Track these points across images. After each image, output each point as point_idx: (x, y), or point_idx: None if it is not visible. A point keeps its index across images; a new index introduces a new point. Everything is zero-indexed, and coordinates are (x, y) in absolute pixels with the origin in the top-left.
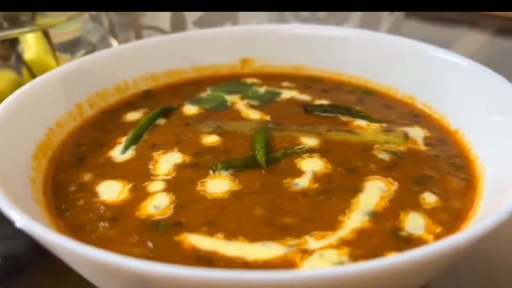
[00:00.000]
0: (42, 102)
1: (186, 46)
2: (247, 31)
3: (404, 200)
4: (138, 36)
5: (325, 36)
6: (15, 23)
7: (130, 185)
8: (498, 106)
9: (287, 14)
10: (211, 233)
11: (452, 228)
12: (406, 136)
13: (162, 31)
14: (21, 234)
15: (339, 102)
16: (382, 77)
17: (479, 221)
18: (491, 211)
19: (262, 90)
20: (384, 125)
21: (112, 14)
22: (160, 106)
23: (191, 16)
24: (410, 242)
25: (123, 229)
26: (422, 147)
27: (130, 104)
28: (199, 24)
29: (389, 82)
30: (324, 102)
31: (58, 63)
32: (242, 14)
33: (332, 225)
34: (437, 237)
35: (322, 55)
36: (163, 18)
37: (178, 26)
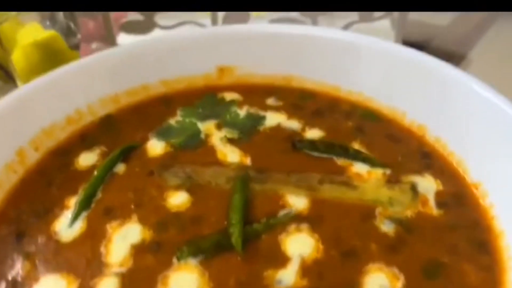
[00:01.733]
0: None
1: (152, 55)
2: (225, 33)
3: None
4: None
5: (322, 40)
6: None
7: (77, 283)
8: None
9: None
10: None
11: None
12: (414, 191)
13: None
14: None
15: (334, 132)
16: (388, 96)
17: None
18: None
19: (242, 112)
20: (388, 171)
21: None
22: (120, 139)
23: None
24: None
25: None
26: (434, 210)
27: (85, 139)
28: None
29: (396, 104)
30: (317, 132)
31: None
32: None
33: None
34: None
35: (317, 64)
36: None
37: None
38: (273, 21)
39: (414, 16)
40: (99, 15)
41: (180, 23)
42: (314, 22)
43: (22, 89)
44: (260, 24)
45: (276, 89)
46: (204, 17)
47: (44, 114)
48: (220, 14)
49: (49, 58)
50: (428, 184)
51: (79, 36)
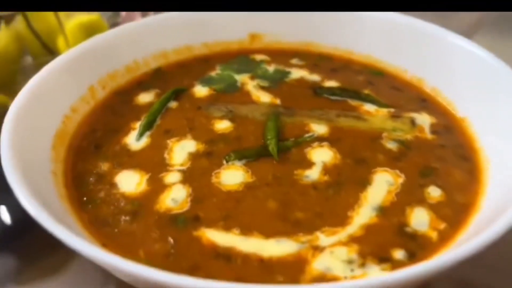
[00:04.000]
0: (56, 89)
1: (195, 22)
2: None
3: (410, 194)
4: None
5: (335, 14)
6: None
7: (147, 176)
8: (508, 100)
9: None
10: (227, 228)
11: (455, 224)
12: (413, 123)
13: None
14: None
15: (348, 83)
16: (392, 57)
17: (480, 221)
18: (493, 210)
19: (271, 68)
20: (392, 110)
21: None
22: (171, 85)
23: None
24: (415, 239)
25: (144, 224)
26: (428, 135)
27: (141, 84)
28: None
29: (399, 63)
30: (334, 83)
31: None
32: None
33: (341, 220)
34: (441, 233)
35: (333, 33)
36: None
37: None
38: None
39: None
40: None
41: None
42: None
43: (95, 39)
44: None
45: (299, 52)
46: None
47: (109, 60)
48: None
49: None
50: (424, 119)
51: (122, 14)
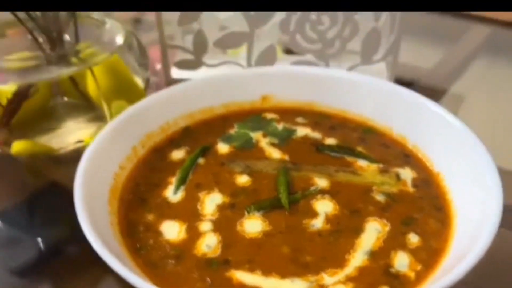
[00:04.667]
0: (109, 152)
1: (217, 86)
2: (267, 72)
3: (395, 240)
4: (164, 55)
5: (334, 78)
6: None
7: (185, 225)
8: (472, 161)
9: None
10: (252, 270)
11: (429, 266)
12: (398, 178)
13: (185, 50)
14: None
15: (344, 140)
16: (380, 117)
17: (449, 264)
18: (459, 255)
19: (280, 126)
20: (381, 165)
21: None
22: (198, 142)
23: (211, 36)
24: (398, 278)
25: (186, 266)
26: (410, 188)
27: (173, 141)
28: (218, 44)
29: (385, 122)
30: (333, 140)
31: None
32: (256, 35)
33: (341, 263)
34: (418, 274)
35: (330, 94)
36: (186, 40)
37: (200, 45)
38: (294, 62)
39: (404, 60)
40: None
41: (223, 62)
42: (327, 64)
43: (135, 106)
44: (290, 66)
45: (302, 111)
46: (241, 59)
47: (148, 123)
48: (253, 57)
49: (116, 78)
50: (407, 173)
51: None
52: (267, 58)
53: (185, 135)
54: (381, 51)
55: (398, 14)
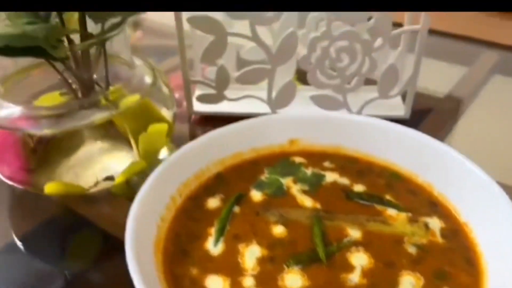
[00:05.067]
0: (151, 205)
1: (247, 132)
2: (295, 116)
3: None
4: (187, 90)
5: (359, 123)
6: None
7: (229, 280)
8: (500, 216)
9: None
10: None
11: None
12: (427, 227)
13: (210, 86)
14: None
15: (372, 186)
16: (406, 163)
17: None
18: None
19: (309, 171)
20: (410, 214)
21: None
22: (231, 189)
23: (229, 67)
24: None
25: None
26: (439, 239)
27: (207, 187)
28: (240, 79)
29: (412, 168)
30: (361, 187)
31: None
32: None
33: None
34: None
35: (357, 138)
36: (209, 72)
37: (222, 80)
38: (313, 97)
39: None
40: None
41: (244, 96)
42: (344, 97)
43: (171, 158)
44: (317, 111)
45: (329, 155)
46: (261, 90)
47: (183, 173)
48: (274, 92)
49: (145, 117)
50: (435, 223)
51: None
52: (286, 92)
53: (218, 182)
54: (398, 85)
55: (416, 49)
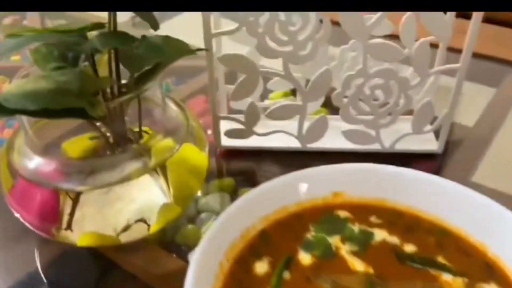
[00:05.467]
0: (203, 277)
1: (291, 186)
2: (338, 169)
3: None
4: (216, 126)
5: (405, 176)
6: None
7: None
8: None
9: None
10: None
11: None
12: None
13: (239, 122)
14: None
15: (423, 245)
16: (455, 219)
17: None
18: None
19: (356, 229)
20: (466, 280)
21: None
22: (278, 250)
23: (262, 109)
24: None
25: None
26: None
27: (253, 248)
28: (270, 115)
29: (462, 225)
30: (412, 247)
31: None
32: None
33: None
34: None
35: (401, 192)
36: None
37: (251, 116)
38: (345, 132)
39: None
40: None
41: (273, 131)
42: (377, 133)
43: (218, 223)
44: (361, 164)
45: (375, 208)
46: (291, 129)
47: (230, 236)
48: (305, 127)
49: (181, 165)
50: None
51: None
52: (317, 127)
53: (263, 240)
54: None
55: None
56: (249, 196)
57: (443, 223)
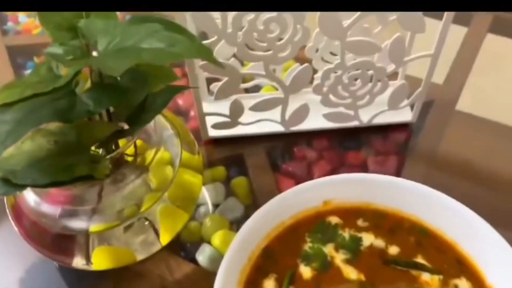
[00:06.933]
0: None
1: (286, 204)
2: (329, 180)
3: None
4: (202, 122)
5: (390, 182)
6: None
7: None
8: None
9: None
10: None
11: None
12: None
13: (223, 115)
14: None
15: (405, 247)
16: (432, 220)
17: None
18: None
19: (346, 235)
20: (441, 277)
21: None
22: (281, 266)
23: (246, 104)
24: None
25: None
26: None
27: (259, 268)
28: (254, 108)
29: (438, 226)
30: (395, 249)
31: None
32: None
33: None
34: None
35: (385, 196)
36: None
37: (236, 110)
38: (326, 115)
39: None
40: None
41: (257, 120)
42: (356, 113)
43: (229, 253)
44: (349, 174)
45: (361, 211)
46: (275, 116)
47: (239, 261)
48: (287, 114)
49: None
50: (464, 285)
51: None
52: (299, 114)
53: (267, 258)
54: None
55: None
56: (248, 223)
57: (422, 223)
